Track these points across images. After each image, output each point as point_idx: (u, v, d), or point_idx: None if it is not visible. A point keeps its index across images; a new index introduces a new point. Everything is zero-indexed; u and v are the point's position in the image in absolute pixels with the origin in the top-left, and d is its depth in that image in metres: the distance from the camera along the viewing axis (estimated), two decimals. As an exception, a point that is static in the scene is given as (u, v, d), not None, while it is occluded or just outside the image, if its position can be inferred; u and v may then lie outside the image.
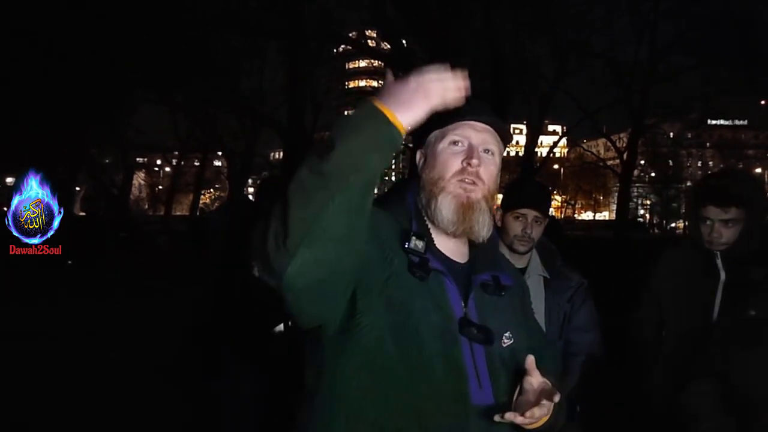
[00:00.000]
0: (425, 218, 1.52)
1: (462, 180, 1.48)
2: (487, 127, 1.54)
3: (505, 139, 1.58)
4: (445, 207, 1.48)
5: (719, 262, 2.43)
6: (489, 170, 1.51)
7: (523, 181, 3.65)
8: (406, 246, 1.42)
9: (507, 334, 1.49)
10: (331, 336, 1.36)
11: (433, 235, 1.50)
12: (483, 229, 1.49)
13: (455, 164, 1.49)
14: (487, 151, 1.52)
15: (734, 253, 2.40)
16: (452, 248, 1.53)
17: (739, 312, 2.34)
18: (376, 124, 1.21)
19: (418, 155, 1.59)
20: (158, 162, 53.68)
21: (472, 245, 1.56)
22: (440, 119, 1.48)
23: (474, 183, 1.49)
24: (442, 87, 1.27)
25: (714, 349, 2.24)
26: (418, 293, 1.39)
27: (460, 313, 1.44)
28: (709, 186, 2.46)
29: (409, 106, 1.24)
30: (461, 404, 1.36)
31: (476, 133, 1.52)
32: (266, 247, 1.20)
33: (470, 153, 1.49)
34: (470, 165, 1.48)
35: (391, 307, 1.36)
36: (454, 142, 1.51)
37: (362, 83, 57.65)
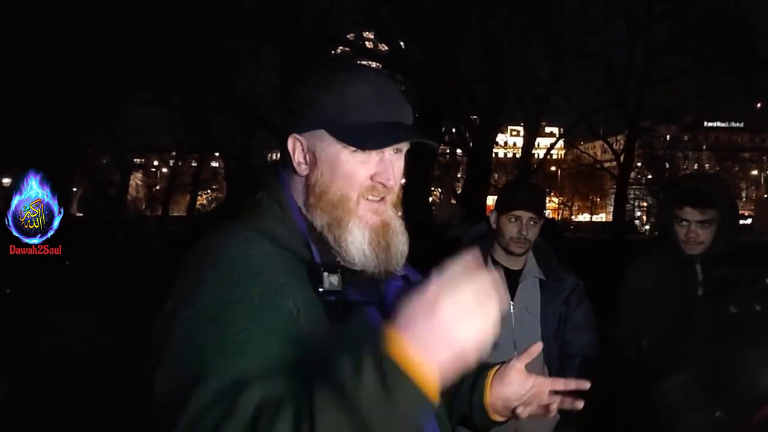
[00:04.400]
0: (323, 235, 1.15)
1: (368, 199, 1.16)
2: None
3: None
4: (357, 240, 1.14)
5: (698, 266, 2.44)
6: (400, 170, 1.19)
7: (517, 182, 3.66)
8: (320, 290, 1.08)
9: None
10: None
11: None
12: (401, 259, 1.18)
13: (363, 178, 1.15)
14: (398, 150, 1.19)
15: (710, 256, 2.42)
16: None
17: (719, 309, 2.36)
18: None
19: (291, 144, 1.18)
20: (155, 163, 53.54)
21: None
22: (337, 118, 1.14)
23: (382, 198, 1.17)
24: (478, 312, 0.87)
25: (690, 348, 2.23)
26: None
27: None
28: (687, 188, 2.48)
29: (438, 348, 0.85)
30: None
31: (392, 157, 1.17)
32: None
33: (385, 172, 1.15)
34: (385, 186, 1.15)
35: None
36: (363, 162, 1.15)
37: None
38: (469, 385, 1.32)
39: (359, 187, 1.14)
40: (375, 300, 1.16)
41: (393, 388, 0.82)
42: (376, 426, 0.82)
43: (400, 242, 1.18)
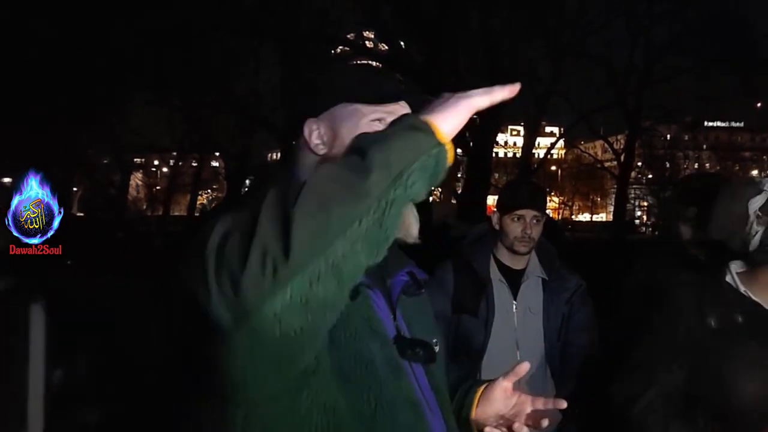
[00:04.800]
0: None
1: None
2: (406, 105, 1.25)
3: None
4: None
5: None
6: None
7: (518, 181, 3.66)
8: None
9: (434, 341, 1.26)
10: (257, 400, 1.02)
11: None
12: (416, 228, 1.21)
13: None
14: None
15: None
16: None
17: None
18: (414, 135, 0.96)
19: (308, 128, 1.23)
20: (155, 162, 53.58)
21: None
22: (351, 88, 1.22)
23: None
24: (486, 91, 1.07)
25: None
26: (351, 323, 1.10)
27: (392, 331, 1.19)
28: (696, 187, 2.46)
29: (448, 112, 1.02)
30: None
31: (400, 108, 1.24)
32: (245, 266, 0.87)
33: None
34: None
35: (336, 357, 1.06)
36: (379, 120, 1.21)
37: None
38: (460, 400, 1.35)
39: None
40: (381, 289, 1.21)
41: (399, 125, 0.99)
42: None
43: (413, 212, 1.21)
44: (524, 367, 1.28)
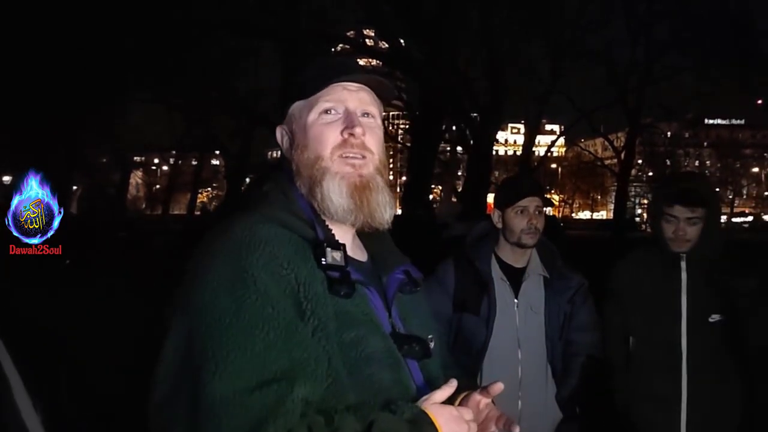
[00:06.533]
0: (321, 216, 1.23)
1: (345, 156, 1.23)
2: (362, 86, 1.27)
3: (385, 95, 1.32)
4: (335, 192, 1.21)
5: (683, 264, 2.49)
6: (375, 136, 1.27)
7: (514, 177, 3.66)
8: (324, 262, 1.15)
9: (430, 337, 1.29)
10: None
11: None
12: (386, 212, 1.25)
13: (333, 137, 1.23)
14: (366, 114, 1.27)
15: (697, 255, 2.46)
16: (349, 245, 1.27)
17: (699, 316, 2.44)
18: None
19: (279, 134, 1.32)
20: (155, 161, 53.60)
21: (362, 237, 1.33)
22: (303, 86, 1.27)
23: (363, 156, 1.24)
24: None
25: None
26: (351, 320, 1.16)
27: (388, 327, 1.23)
28: (678, 186, 2.52)
29: None
30: None
31: (351, 95, 1.25)
32: None
33: (349, 121, 1.23)
34: (353, 135, 1.22)
35: (344, 356, 1.13)
36: (326, 111, 1.24)
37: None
38: None
39: (331, 145, 1.23)
40: (376, 287, 1.25)
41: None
42: None
43: (384, 200, 1.24)
44: (498, 388, 1.27)
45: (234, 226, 1.16)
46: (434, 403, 1.13)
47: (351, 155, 1.22)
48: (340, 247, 1.19)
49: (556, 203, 52.25)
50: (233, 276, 1.09)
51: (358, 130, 1.22)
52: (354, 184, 1.21)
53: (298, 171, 1.25)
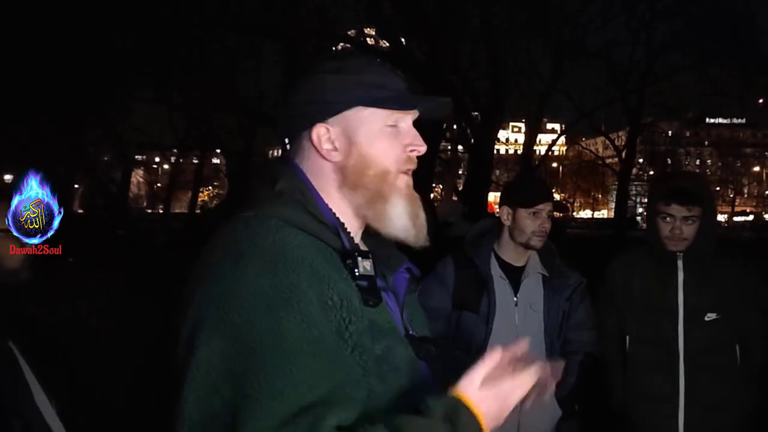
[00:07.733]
0: (344, 224, 1.17)
1: (404, 172, 1.20)
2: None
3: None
4: (400, 212, 1.17)
5: (680, 262, 2.50)
6: None
7: (527, 177, 3.65)
8: (357, 273, 1.10)
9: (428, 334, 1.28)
10: None
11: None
12: (427, 226, 1.24)
13: (397, 152, 1.18)
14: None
15: (693, 254, 2.48)
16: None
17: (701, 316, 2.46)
18: None
19: (320, 132, 1.18)
20: (157, 159, 53.60)
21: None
22: (385, 98, 1.18)
23: (409, 170, 1.22)
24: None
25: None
26: (379, 331, 1.11)
27: (402, 330, 1.19)
28: (674, 185, 2.54)
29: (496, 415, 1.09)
30: None
31: (413, 114, 1.23)
32: None
33: (417, 139, 1.20)
34: (419, 151, 1.20)
35: (375, 372, 1.08)
36: (394, 124, 1.19)
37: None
38: None
39: (397, 160, 1.18)
40: (390, 290, 1.21)
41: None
42: None
43: (424, 214, 1.22)
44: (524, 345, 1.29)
45: (255, 231, 1.08)
46: (472, 384, 1.05)
47: (406, 169, 1.20)
48: (369, 255, 1.13)
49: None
50: (273, 293, 1.01)
51: (423, 148, 1.20)
52: (411, 202, 1.19)
53: (347, 178, 1.17)
